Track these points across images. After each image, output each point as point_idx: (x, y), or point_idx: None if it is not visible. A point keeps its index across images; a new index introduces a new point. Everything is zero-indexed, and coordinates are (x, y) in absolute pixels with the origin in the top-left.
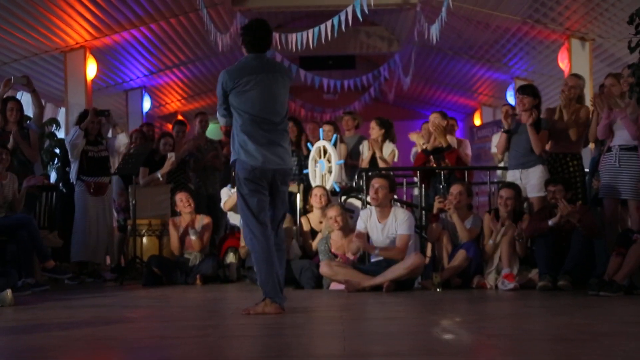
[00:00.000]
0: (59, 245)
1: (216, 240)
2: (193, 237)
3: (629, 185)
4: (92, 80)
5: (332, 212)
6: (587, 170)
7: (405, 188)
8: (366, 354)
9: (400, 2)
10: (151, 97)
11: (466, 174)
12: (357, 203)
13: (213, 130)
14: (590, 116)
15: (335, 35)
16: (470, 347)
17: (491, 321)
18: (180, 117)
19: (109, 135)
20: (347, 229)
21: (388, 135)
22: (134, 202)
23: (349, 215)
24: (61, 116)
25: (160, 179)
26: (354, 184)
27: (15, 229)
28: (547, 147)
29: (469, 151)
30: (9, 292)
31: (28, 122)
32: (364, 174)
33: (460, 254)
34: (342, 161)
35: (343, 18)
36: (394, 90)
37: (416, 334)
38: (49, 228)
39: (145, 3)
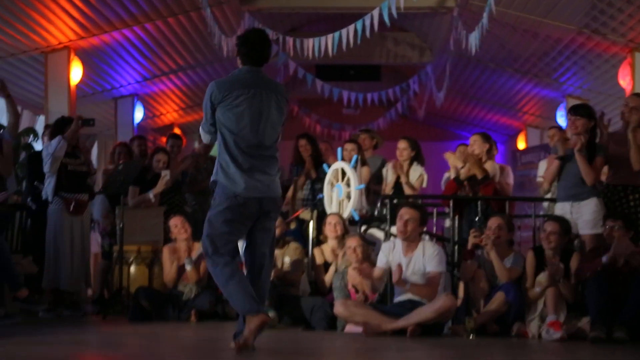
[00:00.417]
0: (33, 271)
1: None
2: (188, 268)
3: None
4: (77, 86)
5: (352, 242)
6: None
7: (435, 219)
8: None
9: (434, 6)
10: (144, 107)
11: (507, 206)
12: (379, 234)
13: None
14: None
15: (359, 41)
16: None
17: None
18: (176, 130)
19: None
20: (367, 265)
21: (417, 158)
22: (121, 225)
23: (370, 248)
24: (40, 125)
25: (153, 200)
26: (375, 213)
27: None
28: (603, 177)
29: (510, 180)
30: None
31: (1, 131)
32: (387, 201)
33: (499, 297)
34: (362, 186)
35: (368, 23)
36: (425, 106)
37: None
38: (22, 252)
39: None
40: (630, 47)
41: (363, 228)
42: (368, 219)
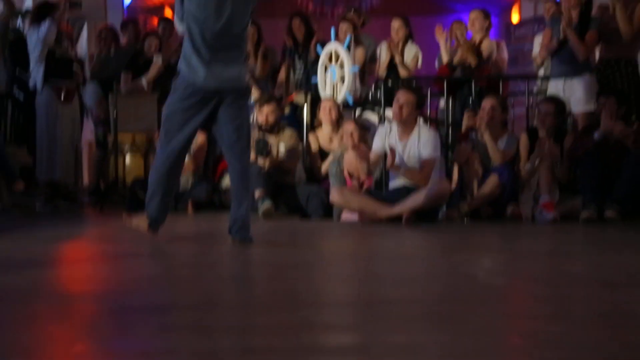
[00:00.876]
0: (28, 163)
1: (210, 162)
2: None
3: None
4: None
5: (348, 126)
6: None
7: (429, 99)
8: (384, 300)
9: None
10: None
11: (501, 85)
12: (374, 117)
13: None
14: None
15: None
16: (501, 294)
17: (526, 261)
18: (167, 11)
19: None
20: (364, 147)
21: (411, 36)
22: (115, 113)
23: (366, 132)
24: (27, 7)
25: (146, 87)
26: (369, 96)
27: None
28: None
29: (504, 55)
30: None
31: None
32: (382, 84)
33: (492, 179)
34: (356, 67)
35: None
36: None
37: (440, 277)
38: (16, 143)
39: None
40: None
41: (358, 111)
42: (362, 102)
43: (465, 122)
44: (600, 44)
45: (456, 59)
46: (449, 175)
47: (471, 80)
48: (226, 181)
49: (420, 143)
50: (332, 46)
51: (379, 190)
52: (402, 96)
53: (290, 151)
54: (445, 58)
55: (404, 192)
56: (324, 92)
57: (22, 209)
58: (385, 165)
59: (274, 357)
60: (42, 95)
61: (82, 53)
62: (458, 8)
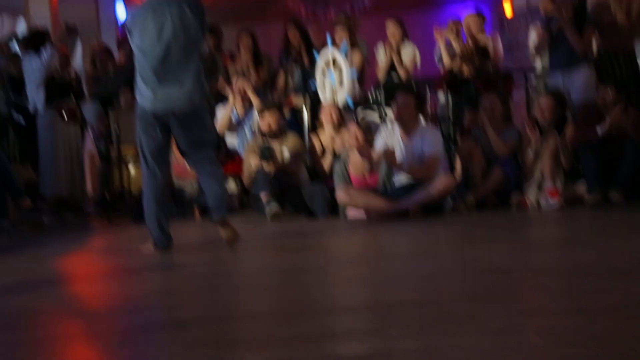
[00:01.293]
0: (32, 179)
1: None
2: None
3: None
4: None
5: (352, 127)
6: None
7: (429, 94)
8: (400, 303)
9: None
10: (125, 4)
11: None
12: (375, 117)
13: None
14: None
15: None
16: (515, 289)
17: (536, 251)
18: None
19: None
20: (367, 148)
21: (406, 35)
22: (117, 128)
23: (369, 133)
24: (20, 29)
25: None
26: (370, 95)
27: None
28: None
29: (500, 49)
30: None
31: None
32: (382, 84)
33: (496, 172)
34: (354, 71)
35: None
36: None
37: (454, 275)
38: (20, 161)
39: None
40: None
41: (359, 111)
42: (363, 102)
43: (467, 118)
44: (597, 36)
45: (456, 67)
46: (451, 169)
47: (470, 80)
48: (230, 185)
49: (423, 141)
50: (329, 51)
51: (384, 188)
52: (400, 98)
53: (295, 155)
54: (446, 60)
55: (409, 189)
56: (324, 96)
57: (31, 224)
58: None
59: None
60: (44, 117)
61: (77, 68)
62: (451, 1)
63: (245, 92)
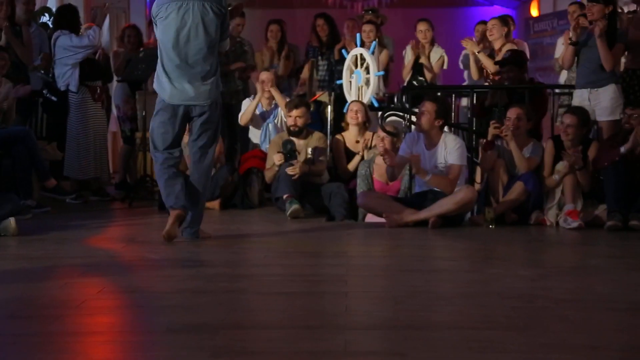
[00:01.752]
0: (58, 158)
1: (237, 152)
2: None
3: None
4: None
5: (380, 132)
6: None
7: (453, 98)
8: (423, 324)
9: None
10: None
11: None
12: (399, 122)
13: None
14: None
15: None
16: (536, 319)
17: (556, 278)
18: None
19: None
20: (393, 154)
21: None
22: (144, 113)
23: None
24: (51, 3)
25: None
26: (395, 100)
27: (12, 143)
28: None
29: (526, 53)
30: (12, 220)
31: None
32: (408, 91)
33: (518, 187)
34: (382, 72)
35: None
36: None
37: (475, 297)
38: (47, 139)
39: None
40: None
41: (383, 117)
42: (387, 105)
43: (490, 132)
44: (626, 54)
45: (487, 102)
46: (471, 180)
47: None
48: (252, 180)
49: (447, 151)
50: (358, 51)
51: (405, 194)
52: (423, 105)
53: (319, 153)
54: (474, 74)
55: (429, 196)
56: (349, 95)
57: (54, 204)
58: (411, 170)
59: None
60: (77, 95)
61: (104, 45)
62: (477, 0)
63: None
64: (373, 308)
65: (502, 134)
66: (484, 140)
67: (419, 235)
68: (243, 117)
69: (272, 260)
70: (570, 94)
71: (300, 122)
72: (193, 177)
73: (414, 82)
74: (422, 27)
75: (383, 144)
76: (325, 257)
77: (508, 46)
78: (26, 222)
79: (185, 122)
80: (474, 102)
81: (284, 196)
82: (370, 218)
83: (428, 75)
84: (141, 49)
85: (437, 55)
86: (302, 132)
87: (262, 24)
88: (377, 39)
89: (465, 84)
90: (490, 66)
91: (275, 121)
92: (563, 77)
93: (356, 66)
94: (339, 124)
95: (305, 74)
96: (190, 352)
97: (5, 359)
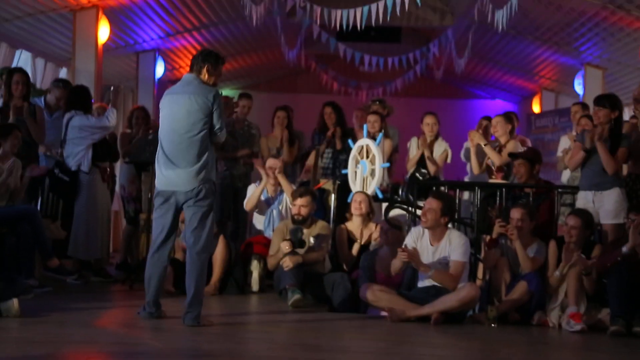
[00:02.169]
0: (61, 237)
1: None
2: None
3: None
4: (104, 44)
5: (384, 225)
6: None
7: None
8: None
9: None
10: (165, 61)
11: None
12: (402, 213)
13: None
14: None
15: (388, 18)
16: None
17: None
18: None
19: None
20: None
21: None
22: (149, 195)
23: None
24: (63, 73)
25: None
26: (400, 193)
27: (17, 220)
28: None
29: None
30: (15, 301)
31: (35, 98)
32: (413, 185)
33: (521, 286)
34: (387, 164)
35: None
36: (443, 68)
37: None
38: (51, 217)
39: None
40: None
41: (387, 210)
42: (390, 196)
43: (496, 230)
44: (629, 161)
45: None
46: (473, 271)
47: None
48: (254, 266)
49: (451, 247)
50: (364, 142)
51: (407, 289)
52: (428, 202)
53: (321, 240)
54: (475, 167)
55: (432, 292)
56: (354, 185)
57: (55, 283)
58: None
59: None
60: (88, 176)
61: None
62: (479, 93)
63: (274, 172)
64: None
65: (507, 233)
66: (488, 238)
67: (421, 332)
68: (248, 203)
69: (274, 352)
70: (573, 193)
71: (304, 211)
72: (188, 261)
73: (417, 175)
74: (429, 120)
75: (386, 237)
76: (328, 351)
77: (511, 143)
78: (28, 302)
79: (177, 209)
80: (478, 198)
81: (286, 285)
82: (373, 311)
83: (431, 168)
84: (150, 132)
85: (441, 149)
86: (306, 221)
87: (266, 106)
88: (382, 130)
89: (467, 177)
90: (496, 159)
91: (280, 207)
92: (565, 175)
93: (362, 157)
94: (342, 212)
95: (310, 160)
96: None
97: None
